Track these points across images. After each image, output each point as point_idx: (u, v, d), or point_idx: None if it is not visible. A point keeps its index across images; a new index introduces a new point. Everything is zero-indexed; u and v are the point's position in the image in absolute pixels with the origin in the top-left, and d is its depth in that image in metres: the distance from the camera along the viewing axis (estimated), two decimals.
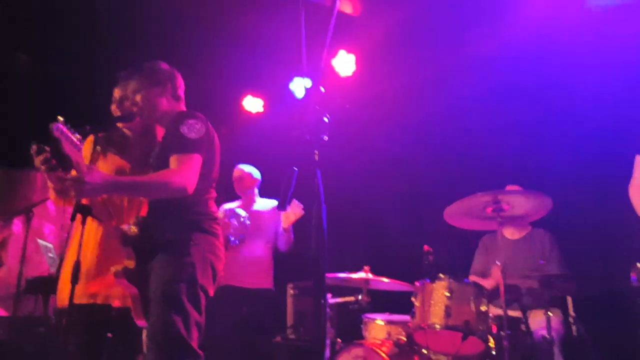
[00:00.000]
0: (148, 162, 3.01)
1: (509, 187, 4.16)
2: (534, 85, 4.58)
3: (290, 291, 5.44)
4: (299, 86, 5.85)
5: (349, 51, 5.51)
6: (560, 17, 4.37)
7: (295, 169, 1.58)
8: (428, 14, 4.88)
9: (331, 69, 5.59)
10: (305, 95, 1.75)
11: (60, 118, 2.40)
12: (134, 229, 2.67)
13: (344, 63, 5.51)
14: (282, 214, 4.61)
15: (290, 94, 5.99)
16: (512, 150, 4.85)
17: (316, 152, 1.69)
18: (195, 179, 2.58)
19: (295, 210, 4.47)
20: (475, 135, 4.89)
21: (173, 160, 2.59)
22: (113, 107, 3.09)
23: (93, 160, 2.95)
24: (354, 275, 4.12)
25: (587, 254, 4.44)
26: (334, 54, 5.57)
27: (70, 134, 2.44)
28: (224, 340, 4.30)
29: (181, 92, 2.92)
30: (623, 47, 4.06)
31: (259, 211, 4.78)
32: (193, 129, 2.65)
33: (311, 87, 1.75)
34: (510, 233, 4.46)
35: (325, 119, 1.72)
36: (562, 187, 4.13)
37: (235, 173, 4.90)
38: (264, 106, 6.41)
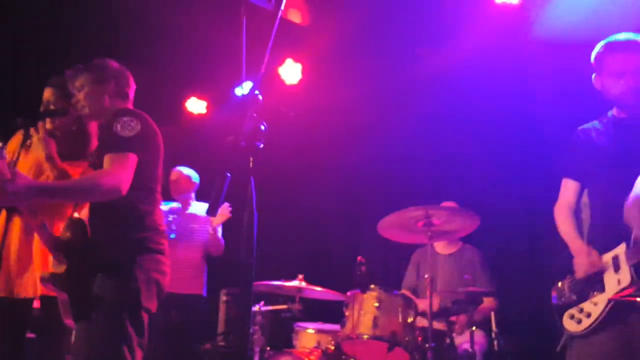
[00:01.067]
0: (79, 160, 2.94)
1: (445, 204, 4.28)
2: (476, 104, 4.74)
3: (223, 297, 5.38)
4: (244, 91, 5.82)
5: (296, 60, 5.55)
6: (505, 42, 4.55)
7: (228, 174, 1.58)
8: (376, 27, 4.98)
9: (277, 76, 5.62)
10: (243, 101, 1.75)
11: None
12: (66, 234, 2.57)
13: (291, 71, 5.54)
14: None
15: (235, 97, 5.99)
16: (448, 167, 5.00)
17: (251, 159, 1.69)
18: (129, 178, 2.47)
19: (223, 212, 4.44)
20: (414, 149, 5.02)
21: (106, 160, 2.49)
22: (42, 108, 3.00)
23: (19, 154, 2.85)
24: (288, 284, 4.13)
25: (512, 272, 4.62)
26: (280, 62, 5.60)
27: None
28: (152, 346, 4.20)
29: (129, 90, 2.83)
30: (565, 77, 4.26)
31: (193, 215, 4.73)
32: (127, 126, 2.54)
33: (249, 93, 1.76)
34: (442, 248, 4.59)
35: (262, 127, 1.73)
36: (492, 207, 4.28)
37: (173, 175, 4.83)
38: (207, 108, 6.35)
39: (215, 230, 4.58)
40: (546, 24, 4.30)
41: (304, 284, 4.10)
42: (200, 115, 6.34)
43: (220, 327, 5.28)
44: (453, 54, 4.76)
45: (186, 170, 4.86)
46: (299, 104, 5.33)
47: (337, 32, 4.98)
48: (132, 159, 2.50)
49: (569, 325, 2.73)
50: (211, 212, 1.57)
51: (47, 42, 5.18)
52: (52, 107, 2.98)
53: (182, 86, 6.20)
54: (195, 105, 6.34)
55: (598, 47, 2.74)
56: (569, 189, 2.97)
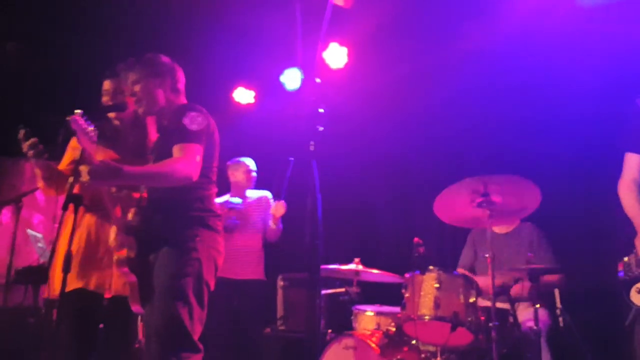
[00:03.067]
0: (138, 153, 3.03)
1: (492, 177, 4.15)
2: (524, 80, 4.62)
3: (280, 282, 5.46)
4: (290, 78, 5.86)
5: (341, 44, 5.51)
6: (550, 13, 4.40)
7: (291, 159, 1.60)
8: (419, 7, 4.90)
9: (323, 62, 5.60)
10: (301, 86, 1.76)
11: (78, 111, 2.49)
12: (136, 219, 2.72)
13: (336, 56, 5.51)
14: (272, 206, 4.66)
15: (281, 86, 6.01)
16: (502, 145, 4.89)
17: (312, 143, 1.70)
18: (198, 167, 2.63)
19: (278, 208, 4.55)
20: (467, 128, 4.93)
21: (176, 150, 2.64)
22: (104, 99, 3.09)
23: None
24: (344, 267, 4.15)
25: (576, 248, 4.50)
26: (325, 47, 5.58)
27: (86, 127, 2.50)
28: (216, 332, 4.33)
29: (181, 85, 2.95)
30: (613, 45, 4.10)
31: (251, 203, 4.81)
32: (195, 121, 2.70)
33: (306, 78, 1.76)
34: (499, 227, 4.50)
35: (321, 110, 1.74)
36: (552, 182, 4.16)
37: (235, 166, 4.91)
38: (255, 97, 6.40)
39: (278, 221, 4.66)
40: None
41: (360, 267, 4.11)
42: (248, 105, 6.40)
43: (280, 312, 5.36)
44: (497, 28, 4.64)
45: (247, 161, 4.95)
46: (345, 88, 5.30)
47: (380, 14, 4.92)
48: (200, 150, 2.66)
49: (637, 299, 2.66)
50: (278, 196, 1.60)
51: (90, 36, 5.32)
52: (111, 100, 3.08)
53: (229, 76, 6.27)
54: (243, 95, 6.40)
55: None
56: (632, 163, 2.90)
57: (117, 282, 2.87)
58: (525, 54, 4.61)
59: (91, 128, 2.54)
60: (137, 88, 2.83)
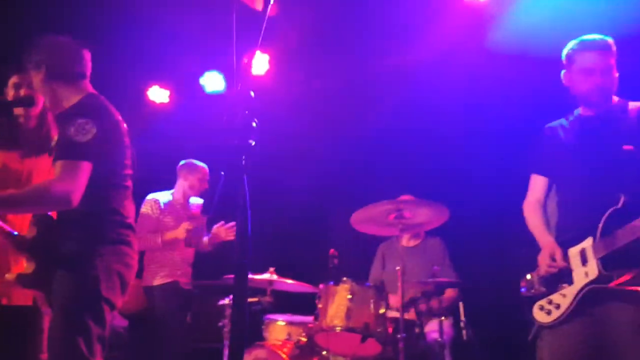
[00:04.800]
0: (41, 152, 2.83)
1: (403, 197, 4.32)
2: (440, 99, 4.80)
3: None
4: (211, 81, 5.78)
5: (263, 51, 5.48)
6: (474, 39, 4.62)
7: (222, 173, 1.56)
8: (342, 20, 4.96)
9: (248, 68, 5.52)
10: (234, 98, 1.73)
11: None
12: (32, 232, 2.48)
13: (258, 62, 5.47)
14: (214, 229, 4.63)
15: (200, 88, 5.89)
16: (416, 162, 5.06)
17: (244, 157, 1.67)
18: (81, 188, 2.34)
19: (228, 232, 4.56)
20: (382, 144, 5.05)
21: (56, 167, 2.35)
22: (10, 94, 2.86)
23: None
24: (258, 276, 4.12)
25: (482, 263, 4.74)
26: (251, 53, 5.51)
27: None
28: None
29: (84, 69, 2.61)
30: (522, 76, 4.36)
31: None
32: (82, 130, 2.37)
33: (240, 90, 1.73)
34: (406, 241, 4.66)
35: (254, 124, 1.71)
36: (460, 200, 4.36)
37: (201, 172, 4.73)
38: (169, 97, 6.20)
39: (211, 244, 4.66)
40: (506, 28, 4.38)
41: (275, 276, 4.09)
42: (162, 104, 6.19)
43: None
44: (420, 48, 4.81)
45: (205, 167, 4.79)
46: (266, 95, 5.28)
47: (305, 23, 4.94)
48: (86, 168, 2.36)
49: (539, 316, 2.82)
50: (205, 211, 1.56)
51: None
52: (16, 95, 2.86)
53: (144, 73, 6.04)
54: (158, 94, 6.19)
55: (570, 44, 2.82)
56: (537, 184, 3.06)
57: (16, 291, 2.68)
58: (443, 74, 4.79)
59: None
60: (36, 78, 2.55)
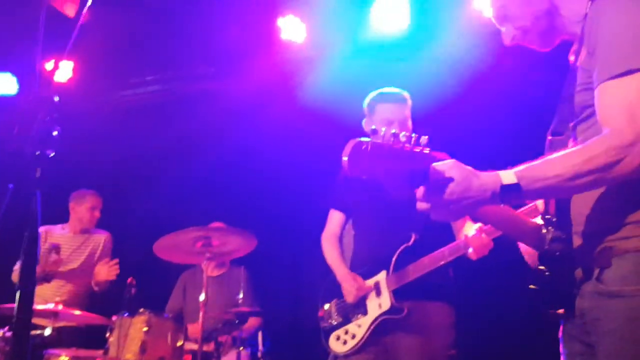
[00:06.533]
0: None
1: (215, 224, 4.26)
2: (253, 131, 4.84)
3: None
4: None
5: (68, 58, 5.04)
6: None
7: (11, 185, 1.36)
8: (155, 33, 4.78)
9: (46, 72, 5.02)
10: (32, 102, 1.53)
11: None
12: None
13: (61, 69, 5.01)
14: (96, 268, 4.22)
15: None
16: (225, 188, 5.02)
17: (38, 169, 1.47)
18: None
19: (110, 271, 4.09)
20: (192, 170, 4.92)
21: None
22: None
23: None
24: (41, 306, 3.67)
25: (282, 293, 4.82)
26: (49, 58, 5.02)
27: None
28: None
29: None
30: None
31: None
32: None
33: (40, 93, 1.55)
34: (211, 270, 4.56)
35: (55, 133, 1.53)
36: (266, 230, 4.41)
37: None
38: None
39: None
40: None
41: (60, 307, 3.69)
42: None
43: None
44: (234, 78, 4.83)
45: None
46: (69, 104, 4.83)
47: (113, 33, 4.63)
48: None
49: (335, 346, 2.94)
50: None
51: None
52: None
53: None
54: None
55: (371, 95, 3.06)
56: (334, 219, 3.24)
57: None
58: (256, 110, 4.85)
59: None
60: None
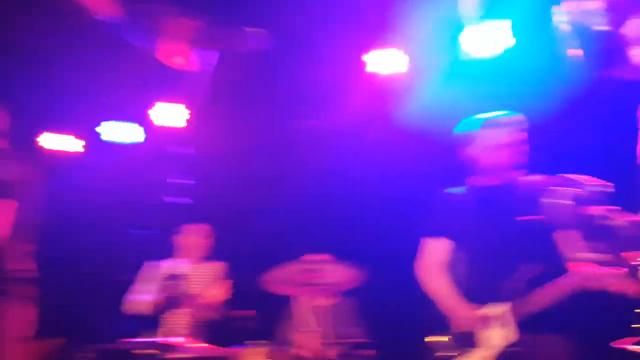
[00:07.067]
0: None
1: (320, 256, 4.28)
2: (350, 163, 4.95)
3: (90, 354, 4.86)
4: (111, 130, 5.62)
5: (170, 102, 5.40)
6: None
7: (156, 232, 1.49)
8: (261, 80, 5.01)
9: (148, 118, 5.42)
10: (169, 156, 1.69)
11: None
12: None
13: (164, 114, 5.36)
14: None
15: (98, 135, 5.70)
16: (331, 220, 5.12)
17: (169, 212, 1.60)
18: (7, 225, 2.38)
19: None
20: (297, 203, 5.06)
21: None
22: None
23: None
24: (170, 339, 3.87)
25: (389, 322, 4.79)
26: (152, 104, 5.41)
27: None
28: None
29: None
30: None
31: None
32: (4, 170, 2.50)
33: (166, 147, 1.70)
34: (318, 300, 4.62)
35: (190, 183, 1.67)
36: (371, 260, 4.43)
37: None
38: (71, 145, 5.88)
39: None
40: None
41: (183, 339, 3.87)
42: (62, 152, 5.84)
43: None
44: (333, 115, 4.98)
45: None
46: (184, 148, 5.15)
47: (221, 80, 4.92)
48: (10, 205, 2.43)
49: None
50: None
51: None
52: None
53: (43, 121, 5.72)
54: (58, 142, 5.83)
55: (482, 118, 2.99)
56: (437, 247, 3.10)
57: None
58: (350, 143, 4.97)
59: None
60: None
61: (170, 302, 4.24)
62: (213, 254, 4.68)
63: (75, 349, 4.40)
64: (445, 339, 2.99)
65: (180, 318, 4.34)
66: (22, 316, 2.47)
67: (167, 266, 4.54)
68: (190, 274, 4.53)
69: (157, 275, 4.32)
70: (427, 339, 3.08)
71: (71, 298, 4.77)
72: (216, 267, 4.60)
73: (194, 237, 4.61)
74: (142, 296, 4.29)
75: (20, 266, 2.50)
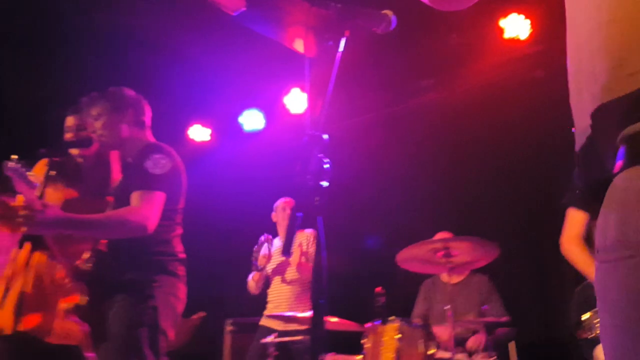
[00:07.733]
0: (99, 192, 2.90)
1: (441, 234, 4.25)
2: (480, 135, 4.80)
3: (229, 327, 5.30)
4: (250, 119, 5.93)
5: (303, 89, 5.58)
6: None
7: (299, 214, 1.58)
8: (380, 57, 5.02)
9: (282, 106, 5.65)
10: (308, 141, 1.77)
11: (14, 157, 2.39)
12: (88, 264, 2.55)
13: (298, 101, 5.56)
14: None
15: (239, 125, 6.03)
16: (467, 197, 5.05)
17: (317, 198, 1.69)
18: (156, 217, 2.49)
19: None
20: (431, 181, 5.05)
21: (134, 197, 2.49)
22: (67, 135, 2.98)
23: (45, 185, 2.81)
24: (301, 314, 4.09)
25: (527, 299, 4.64)
26: (287, 91, 5.63)
27: (24, 172, 2.37)
28: None
29: (146, 119, 2.84)
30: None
31: None
32: (158, 164, 2.56)
33: (314, 133, 1.78)
34: (449, 277, 4.58)
35: (327, 166, 1.75)
36: (504, 235, 4.31)
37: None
38: (211, 135, 6.32)
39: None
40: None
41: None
42: (203, 142, 6.30)
43: (227, 358, 5.19)
44: (462, 84, 4.86)
45: None
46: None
47: (342, 64, 5.00)
48: (161, 198, 2.52)
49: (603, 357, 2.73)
50: (285, 252, 1.58)
51: (49, 68, 5.13)
52: (75, 137, 2.97)
53: (185, 113, 6.18)
54: (199, 133, 6.30)
55: None
56: (576, 219, 2.96)
57: (61, 328, 2.71)
58: (481, 112, 4.80)
59: (32, 174, 2.44)
60: (98, 123, 2.72)
61: (273, 276, 4.57)
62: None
63: (216, 322, 4.82)
64: (594, 316, 2.89)
65: (285, 291, 4.59)
66: (184, 294, 2.69)
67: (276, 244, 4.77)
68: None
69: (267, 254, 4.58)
70: (574, 317, 2.99)
71: (211, 277, 5.16)
72: (306, 235, 4.71)
73: (281, 211, 4.80)
74: (251, 276, 4.61)
75: (179, 248, 2.71)
